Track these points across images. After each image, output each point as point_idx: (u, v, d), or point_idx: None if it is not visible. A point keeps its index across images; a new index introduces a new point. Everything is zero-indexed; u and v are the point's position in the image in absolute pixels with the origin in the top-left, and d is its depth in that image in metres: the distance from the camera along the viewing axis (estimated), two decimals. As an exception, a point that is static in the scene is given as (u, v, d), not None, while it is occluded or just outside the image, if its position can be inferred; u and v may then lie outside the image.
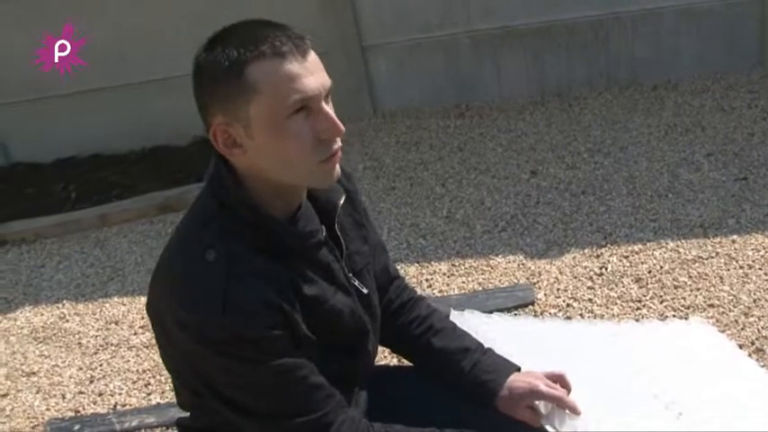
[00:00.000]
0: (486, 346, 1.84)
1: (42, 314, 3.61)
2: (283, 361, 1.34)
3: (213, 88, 1.30)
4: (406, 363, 1.83)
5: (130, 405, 2.81)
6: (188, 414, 1.60)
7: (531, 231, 3.47)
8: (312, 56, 1.31)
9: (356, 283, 1.53)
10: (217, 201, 1.38)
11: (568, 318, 2.85)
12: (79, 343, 3.30)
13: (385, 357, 2.66)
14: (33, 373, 3.15)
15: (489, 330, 2.02)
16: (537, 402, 1.60)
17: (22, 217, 4.68)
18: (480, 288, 3.15)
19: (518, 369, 1.67)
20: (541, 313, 2.90)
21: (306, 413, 1.37)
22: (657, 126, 4.17)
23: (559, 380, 1.62)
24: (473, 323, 2.07)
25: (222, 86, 1.29)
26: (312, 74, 1.30)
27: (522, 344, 1.97)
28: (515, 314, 2.89)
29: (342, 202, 1.52)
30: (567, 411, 1.57)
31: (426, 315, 1.75)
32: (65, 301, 3.68)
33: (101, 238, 4.29)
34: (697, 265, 3.00)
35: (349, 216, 1.58)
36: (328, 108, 1.32)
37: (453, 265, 3.34)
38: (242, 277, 1.31)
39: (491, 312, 2.83)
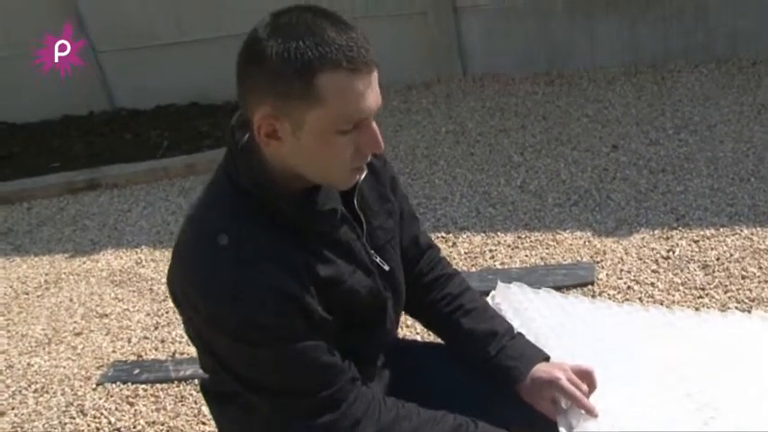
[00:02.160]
0: (524, 325, 1.82)
1: (122, 258, 3.78)
2: (296, 345, 1.35)
3: (274, 82, 1.25)
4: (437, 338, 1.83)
5: (188, 354, 2.92)
6: (209, 377, 1.64)
7: (602, 207, 3.39)
8: (376, 72, 1.29)
9: (378, 260, 1.52)
10: (232, 180, 1.38)
11: (627, 300, 2.79)
12: (150, 289, 3.44)
13: (418, 333, 2.68)
14: (106, 315, 3.31)
15: (530, 309, 2.00)
16: (558, 395, 1.58)
17: (117, 161, 4.87)
18: (542, 263, 3.11)
19: (546, 358, 1.64)
20: (600, 294, 2.85)
21: (317, 391, 1.38)
22: (751, 105, 3.98)
23: (586, 377, 1.57)
24: (516, 299, 2.05)
25: (286, 85, 1.24)
26: (373, 92, 1.28)
27: (562, 327, 1.94)
28: (568, 293, 2.85)
29: (362, 177, 1.48)
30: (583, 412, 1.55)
31: (458, 293, 1.73)
32: (143, 247, 3.84)
33: (185, 187, 4.43)
34: (769, 255, 2.88)
35: (373, 190, 1.56)
36: (375, 125, 1.32)
37: (519, 237, 3.31)
38: (254, 263, 1.31)
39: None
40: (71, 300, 3.50)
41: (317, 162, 1.32)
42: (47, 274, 3.78)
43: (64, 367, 3.00)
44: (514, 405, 1.63)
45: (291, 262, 1.34)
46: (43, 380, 2.95)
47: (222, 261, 1.31)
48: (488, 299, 2.05)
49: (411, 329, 2.74)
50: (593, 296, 2.85)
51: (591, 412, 1.52)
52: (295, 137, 1.29)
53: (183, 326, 3.04)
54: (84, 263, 3.82)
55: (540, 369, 1.60)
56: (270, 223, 1.35)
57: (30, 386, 2.93)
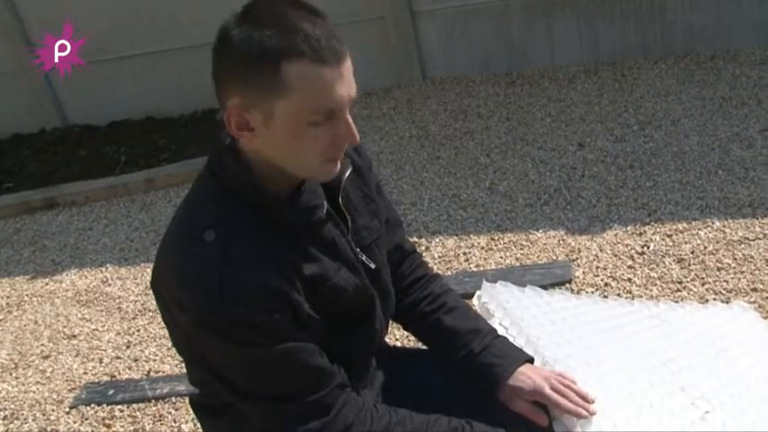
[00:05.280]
0: (514, 324, 1.79)
1: (86, 277, 3.68)
2: (284, 345, 1.32)
3: (241, 71, 1.25)
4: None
5: (163, 372, 2.85)
6: (198, 391, 1.60)
7: (573, 206, 3.39)
8: (347, 62, 1.27)
9: (363, 258, 1.51)
10: (217, 179, 1.37)
11: (605, 297, 2.78)
12: (119, 307, 3.35)
13: (408, 340, 2.64)
14: (74, 336, 3.22)
15: (518, 308, 1.98)
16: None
17: (74, 179, 4.76)
18: (518, 264, 3.10)
19: (530, 360, 1.62)
20: (578, 292, 2.84)
21: (306, 395, 1.36)
22: (712, 99, 4.02)
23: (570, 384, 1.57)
24: (503, 298, 2.02)
25: (252, 74, 1.24)
26: (345, 83, 1.26)
27: (553, 325, 1.92)
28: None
29: (347, 176, 1.48)
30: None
31: (439, 293, 1.72)
32: (108, 265, 3.74)
33: (147, 202, 4.34)
34: (743, 246, 2.90)
35: (358, 190, 1.55)
36: (349, 117, 1.30)
37: (492, 239, 3.29)
38: (240, 259, 1.29)
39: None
40: (36, 322, 3.39)
41: (291, 153, 1.31)
42: (8, 297, 3.66)
43: (34, 392, 2.91)
44: (504, 409, 1.61)
45: (278, 259, 1.33)
46: (12, 406, 2.85)
47: (209, 257, 1.29)
48: (474, 299, 2.04)
49: (402, 332, 2.71)
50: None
51: (579, 415, 1.51)
52: (267, 127, 1.28)
53: (157, 342, 2.97)
54: (47, 284, 3.71)
55: (525, 373, 1.58)
56: (255, 220, 1.34)
57: (-2, 413, 2.84)
